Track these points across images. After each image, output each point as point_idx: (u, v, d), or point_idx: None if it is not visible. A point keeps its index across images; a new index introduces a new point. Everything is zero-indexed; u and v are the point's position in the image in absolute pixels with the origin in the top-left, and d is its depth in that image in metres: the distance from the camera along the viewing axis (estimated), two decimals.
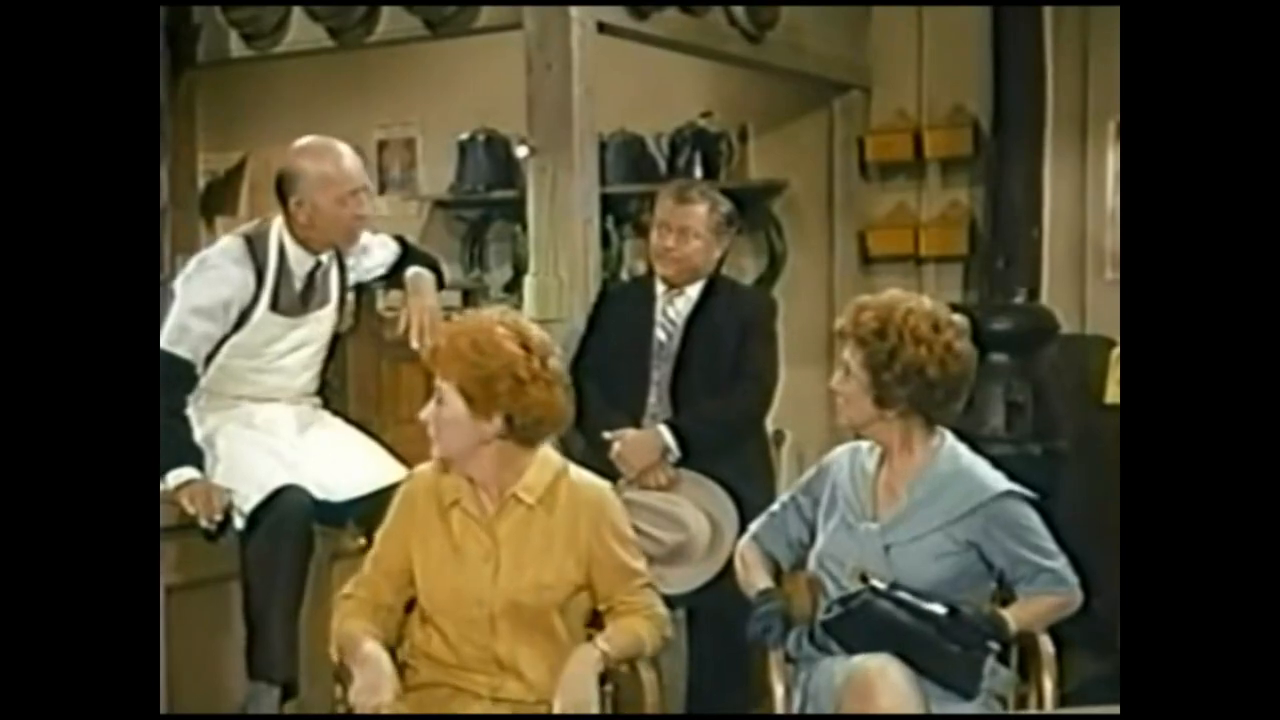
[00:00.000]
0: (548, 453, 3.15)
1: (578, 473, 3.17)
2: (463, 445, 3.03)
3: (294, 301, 3.81)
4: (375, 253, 4.05)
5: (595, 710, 2.93)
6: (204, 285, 3.72)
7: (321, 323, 3.91)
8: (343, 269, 3.95)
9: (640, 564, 3.15)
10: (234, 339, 3.77)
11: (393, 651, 3.07)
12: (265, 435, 3.78)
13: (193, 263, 3.83)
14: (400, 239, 4.19)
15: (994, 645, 3.02)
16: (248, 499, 3.60)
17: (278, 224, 3.81)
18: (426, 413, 3.06)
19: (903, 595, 3.00)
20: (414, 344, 3.73)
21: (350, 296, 4.05)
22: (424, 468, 3.17)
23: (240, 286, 3.72)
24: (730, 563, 3.48)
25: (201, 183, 6.37)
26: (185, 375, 3.69)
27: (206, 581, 3.84)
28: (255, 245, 3.77)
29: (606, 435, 4.19)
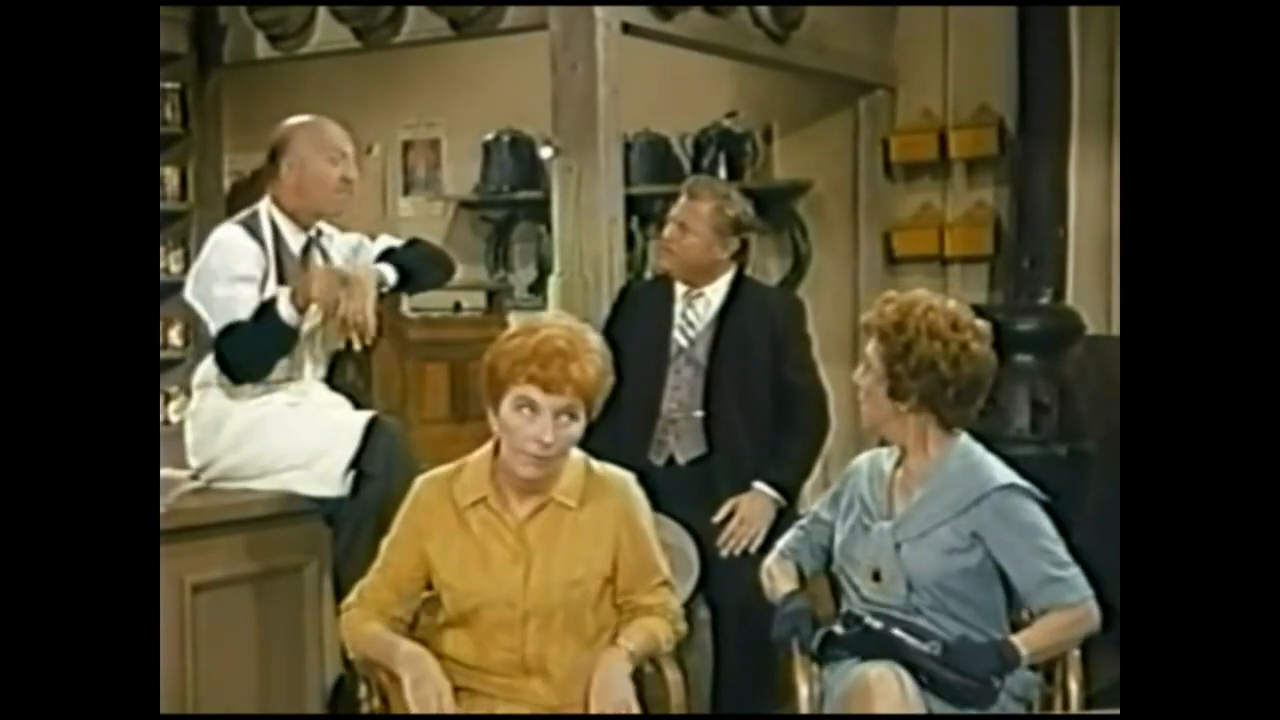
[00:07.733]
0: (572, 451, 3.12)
1: (601, 465, 3.13)
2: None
3: (297, 271, 3.88)
4: (367, 251, 4.07)
5: (638, 710, 2.89)
6: (233, 256, 3.82)
7: None
8: (325, 256, 3.99)
9: (661, 561, 3.12)
10: None
11: None
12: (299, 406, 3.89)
13: (209, 247, 3.90)
14: (414, 241, 4.20)
15: (998, 681, 2.95)
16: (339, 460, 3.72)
17: (265, 204, 3.93)
18: (549, 435, 2.92)
19: (895, 632, 3.00)
20: (355, 345, 3.82)
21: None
22: (434, 472, 3.11)
23: (257, 258, 3.84)
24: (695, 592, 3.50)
25: (227, 183, 6.39)
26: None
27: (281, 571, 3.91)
28: (250, 225, 3.89)
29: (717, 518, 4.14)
